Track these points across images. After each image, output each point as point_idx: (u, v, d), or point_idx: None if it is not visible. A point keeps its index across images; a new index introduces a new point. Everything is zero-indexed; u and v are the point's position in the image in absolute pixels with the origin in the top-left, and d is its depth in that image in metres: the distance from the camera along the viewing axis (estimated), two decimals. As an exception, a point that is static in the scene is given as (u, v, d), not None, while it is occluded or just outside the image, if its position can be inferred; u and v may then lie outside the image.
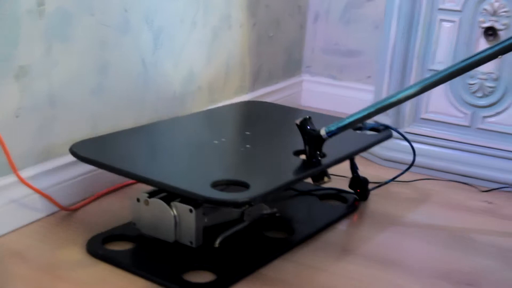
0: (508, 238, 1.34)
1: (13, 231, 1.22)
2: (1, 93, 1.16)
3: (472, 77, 1.63)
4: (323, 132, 1.20)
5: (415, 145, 1.53)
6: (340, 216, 1.37)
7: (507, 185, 1.60)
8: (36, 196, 1.25)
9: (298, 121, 1.22)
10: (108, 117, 1.42)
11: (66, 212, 1.31)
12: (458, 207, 1.48)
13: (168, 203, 1.13)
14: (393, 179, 1.54)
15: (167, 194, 1.15)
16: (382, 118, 1.79)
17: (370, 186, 1.48)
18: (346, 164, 1.41)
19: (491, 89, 1.61)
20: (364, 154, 1.79)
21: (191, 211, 1.11)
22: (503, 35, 1.57)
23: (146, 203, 1.15)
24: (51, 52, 1.24)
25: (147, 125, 1.40)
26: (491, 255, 1.26)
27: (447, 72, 1.17)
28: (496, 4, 1.57)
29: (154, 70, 1.54)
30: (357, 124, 1.28)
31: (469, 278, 1.15)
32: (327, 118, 1.48)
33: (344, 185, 1.48)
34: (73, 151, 1.17)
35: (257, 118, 1.55)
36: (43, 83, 1.24)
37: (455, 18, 1.63)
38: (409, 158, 1.51)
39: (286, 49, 2.20)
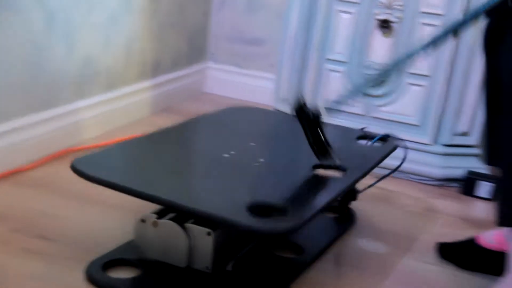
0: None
1: None
2: None
3: (367, 67, 1.68)
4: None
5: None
6: (343, 229, 1.34)
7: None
8: None
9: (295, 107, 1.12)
10: (-3, 101, 1.36)
11: None
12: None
13: (181, 225, 1.04)
14: (377, 182, 1.43)
15: (178, 214, 1.07)
16: (282, 106, 1.82)
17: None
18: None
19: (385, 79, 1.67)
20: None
21: (209, 234, 1.03)
22: (397, 28, 1.63)
23: (155, 224, 1.06)
24: None
25: (139, 138, 1.26)
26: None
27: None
28: (390, -2, 1.62)
29: (48, 53, 1.48)
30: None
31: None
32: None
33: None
34: (76, 169, 1.02)
35: (252, 126, 1.45)
36: None
37: (353, 9, 1.68)
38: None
39: (190, 36, 2.18)
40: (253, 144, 1.27)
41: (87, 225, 1.25)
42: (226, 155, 1.17)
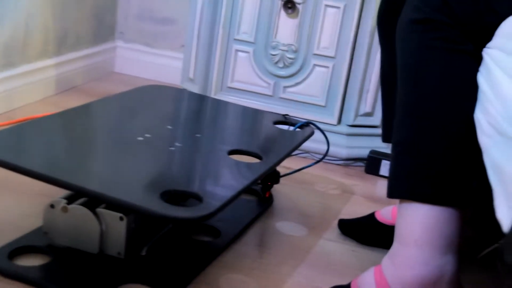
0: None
1: None
2: None
3: (274, 48, 1.68)
4: None
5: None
6: (260, 211, 1.33)
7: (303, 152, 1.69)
8: None
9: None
10: None
11: None
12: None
13: (92, 210, 1.00)
14: (302, 168, 1.45)
15: (89, 199, 1.01)
16: (190, 86, 1.80)
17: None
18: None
19: (291, 60, 1.68)
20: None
21: (121, 219, 0.99)
22: (301, 9, 1.64)
23: (64, 210, 1.01)
24: None
25: (46, 117, 1.17)
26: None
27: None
28: (296, -22, 1.63)
29: None
30: None
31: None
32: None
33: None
34: None
35: (168, 107, 1.40)
36: None
37: (259, -11, 1.67)
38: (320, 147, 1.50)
39: (96, 14, 2.12)
40: (169, 127, 1.23)
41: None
42: (140, 138, 1.13)
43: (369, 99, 1.69)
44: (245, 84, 1.73)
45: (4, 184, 1.28)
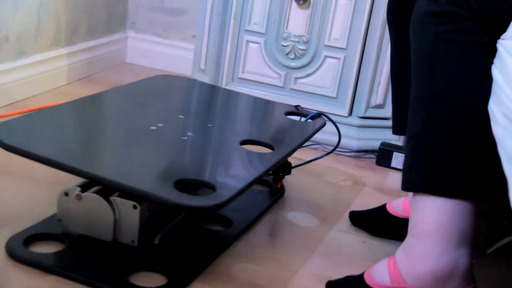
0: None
1: None
2: None
3: (285, 39, 1.68)
4: None
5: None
6: (271, 202, 1.33)
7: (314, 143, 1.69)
8: None
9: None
10: None
11: None
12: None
13: (106, 198, 1.00)
14: (314, 160, 1.45)
15: (103, 187, 1.02)
16: (201, 76, 1.80)
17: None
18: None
19: (302, 51, 1.68)
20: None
21: (135, 207, 1.00)
22: (312, 0, 1.63)
23: (78, 198, 1.01)
24: None
25: (61, 105, 1.19)
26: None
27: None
28: (308, -31, 1.63)
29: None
30: None
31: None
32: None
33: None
34: None
35: (180, 97, 1.41)
36: None
37: (270, -20, 1.67)
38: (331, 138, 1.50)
39: (108, 4, 2.12)
40: (181, 116, 1.24)
41: (6, 198, 1.20)
42: (153, 128, 1.14)
43: (380, 91, 1.69)
44: (256, 75, 1.73)
45: (17, 172, 1.29)
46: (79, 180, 1.05)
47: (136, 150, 1.05)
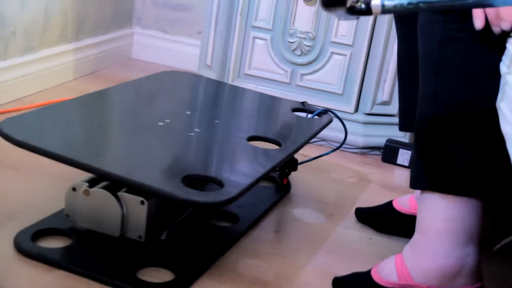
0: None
1: None
2: None
3: (291, 35, 1.68)
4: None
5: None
6: (278, 198, 1.33)
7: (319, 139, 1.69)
8: None
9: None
10: None
11: None
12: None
13: (113, 194, 1.01)
14: (320, 156, 1.46)
15: (110, 183, 1.02)
16: (207, 72, 1.80)
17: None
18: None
19: (309, 48, 1.68)
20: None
21: (142, 203, 1.00)
22: (320, -4, 1.63)
23: (86, 193, 1.02)
24: None
25: (69, 101, 1.19)
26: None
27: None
28: (315, -35, 1.62)
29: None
30: None
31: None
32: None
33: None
34: (3, 133, 0.96)
35: (186, 93, 1.41)
36: None
37: (277, -24, 1.67)
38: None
39: (115, 0, 2.12)
40: (188, 112, 1.24)
41: (14, 193, 1.21)
42: (161, 123, 1.14)
43: (386, 87, 1.69)
44: (262, 71, 1.74)
45: (25, 168, 1.30)
46: (87, 175, 1.06)
47: (144, 146, 1.06)
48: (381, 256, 1.07)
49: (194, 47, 2.18)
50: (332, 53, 1.67)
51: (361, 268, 1.06)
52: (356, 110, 1.70)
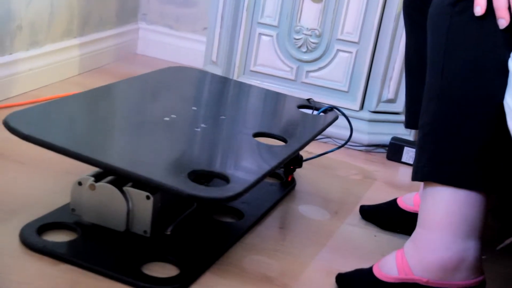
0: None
1: None
2: None
3: (297, 32, 1.68)
4: None
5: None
6: (282, 195, 1.33)
7: (326, 137, 1.69)
8: None
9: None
10: None
11: None
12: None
13: (119, 188, 1.01)
14: (325, 153, 1.46)
15: (116, 177, 1.02)
16: (212, 69, 1.80)
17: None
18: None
19: (315, 45, 1.68)
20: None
21: (148, 198, 1.00)
22: (326, -7, 1.63)
23: (92, 187, 1.02)
24: None
25: (75, 95, 1.19)
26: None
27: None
28: (322, -38, 1.62)
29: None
30: None
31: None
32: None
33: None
34: (10, 126, 0.96)
35: (192, 89, 1.41)
36: None
37: (284, -27, 1.67)
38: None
39: (121, -5, 2.12)
40: (194, 108, 1.24)
41: (20, 187, 1.21)
42: (167, 119, 1.14)
43: (392, 85, 1.69)
44: (267, 68, 1.73)
45: (31, 162, 1.30)
46: (93, 169, 1.06)
47: (150, 141, 1.06)
48: (385, 253, 1.07)
49: (199, 43, 2.18)
50: (338, 50, 1.67)
51: (365, 264, 1.06)
52: (362, 107, 1.70)
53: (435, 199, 0.96)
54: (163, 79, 1.40)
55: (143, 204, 1.02)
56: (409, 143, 1.65)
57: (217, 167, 1.01)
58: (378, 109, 1.70)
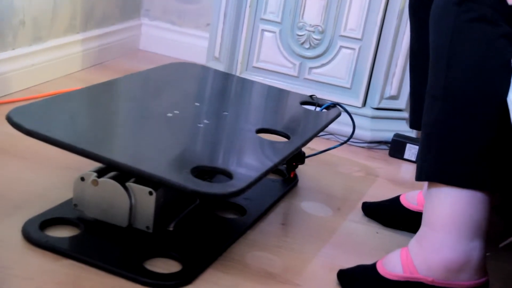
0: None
1: None
2: None
3: (300, 28, 1.68)
4: None
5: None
6: (285, 191, 1.33)
7: (328, 133, 1.69)
8: None
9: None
10: None
11: None
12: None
13: (122, 184, 1.01)
14: (327, 150, 1.46)
15: (119, 173, 1.02)
16: (215, 65, 1.80)
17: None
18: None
19: (317, 41, 1.68)
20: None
21: (151, 193, 1.00)
22: (330, -11, 1.63)
23: (95, 183, 1.02)
24: None
25: (79, 91, 1.19)
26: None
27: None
28: (325, -42, 1.62)
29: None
30: None
31: (282, 219, 1.20)
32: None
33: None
34: (13, 122, 0.96)
35: (195, 85, 1.41)
36: None
37: (287, -31, 1.66)
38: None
39: (124, -10, 2.12)
40: (197, 104, 1.24)
41: (22, 182, 1.21)
42: (170, 115, 1.14)
43: (394, 82, 1.68)
44: (270, 64, 1.73)
45: (33, 157, 1.30)
46: (95, 165, 1.06)
47: (153, 137, 1.06)
48: (387, 250, 1.07)
49: (202, 39, 2.18)
50: (341, 46, 1.67)
51: (368, 261, 1.06)
52: (364, 104, 1.70)
53: (440, 199, 0.96)
54: (165, 75, 1.40)
55: (145, 199, 1.02)
56: (412, 140, 1.65)
57: (220, 163, 1.01)
58: (381, 105, 1.70)
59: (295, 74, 1.72)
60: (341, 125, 1.61)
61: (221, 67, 1.78)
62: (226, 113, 1.22)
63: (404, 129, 1.70)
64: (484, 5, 0.88)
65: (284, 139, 1.15)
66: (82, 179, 1.04)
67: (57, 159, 1.27)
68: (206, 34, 2.17)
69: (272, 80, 1.72)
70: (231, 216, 1.20)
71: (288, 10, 1.67)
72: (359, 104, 1.69)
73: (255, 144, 1.10)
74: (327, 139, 1.69)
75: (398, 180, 1.54)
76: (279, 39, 1.70)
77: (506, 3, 0.88)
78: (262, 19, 1.70)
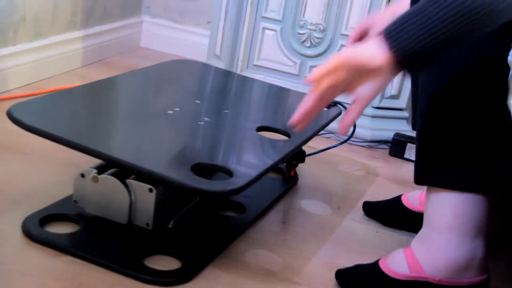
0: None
1: None
2: None
3: (301, 26, 1.68)
4: None
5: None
6: (285, 189, 1.33)
7: (327, 132, 1.69)
8: None
9: None
10: None
11: None
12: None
13: (122, 181, 1.01)
14: (327, 148, 1.47)
15: (119, 170, 1.02)
16: (216, 62, 1.80)
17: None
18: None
19: (318, 39, 1.67)
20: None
21: (151, 190, 1.00)
22: (331, -12, 1.63)
23: (95, 180, 1.02)
24: None
25: (79, 87, 1.19)
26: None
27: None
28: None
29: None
30: None
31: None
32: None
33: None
34: (14, 118, 0.96)
35: (195, 82, 1.41)
36: None
37: (289, -33, 1.66)
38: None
39: (125, -13, 2.12)
40: (198, 101, 1.24)
41: (22, 178, 1.21)
42: (170, 112, 1.14)
43: (395, 81, 1.68)
44: (271, 62, 1.73)
45: (34, 153, 1.30)
46: (96, 162, 1.06)
47: (153, 134, 1.06)
48: (387, 250, 1.07)
49: (203, 36, 2.18)
50: (342, 45, 1.67)
51: (367, 260, 1.06)
52: (365, 103, 1.69)
53: (441, 202, 0.96)
54: (166, 72, 1.40)
55: (145, 196, 1.02)
56: (412, 140, 1.65)
57: (220, 161, 1.01)
58: (381, 105, 1.70)
59: (296, 72, 1.72)
60: (342, 124, 1.60)
61: (221, 65, 1.78)
62: (226, 111, 1.22)
63: (405, 128, 1.70)
64: None
65: (285, 138, 1.15)
66: (82, 175, 1.04)
67: (58, 155, 1.27)
68: (207, 31, 2.16)
69: (272, 78, 1.72)
70: (231, 214, 1.20)
71: (289, 8, 1.67)
72: (360, 103, 1.69)
73: (255, 142, 1.10)
74: (328, 138, 1.69)
75: (398, 179, 1.54)
76: (280, 37, 1.70)
77: None
78: (263, 17, 1.70)
